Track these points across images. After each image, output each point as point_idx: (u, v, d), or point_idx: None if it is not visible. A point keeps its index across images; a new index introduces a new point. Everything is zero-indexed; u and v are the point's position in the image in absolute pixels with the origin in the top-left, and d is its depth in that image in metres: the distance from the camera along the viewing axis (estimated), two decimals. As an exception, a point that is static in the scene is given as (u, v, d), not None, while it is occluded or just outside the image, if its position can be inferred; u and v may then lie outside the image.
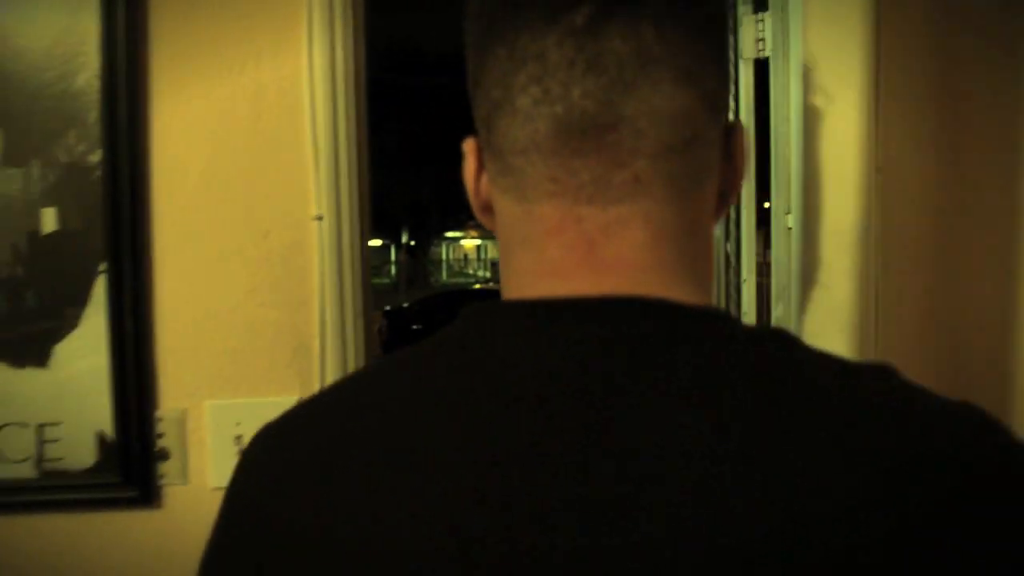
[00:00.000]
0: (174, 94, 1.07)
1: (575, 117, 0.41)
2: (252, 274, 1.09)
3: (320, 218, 1.09)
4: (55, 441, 1.06)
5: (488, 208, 0.49)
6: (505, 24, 0.43)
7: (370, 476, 0.42)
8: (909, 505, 0.35)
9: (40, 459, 1.06)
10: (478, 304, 0.47)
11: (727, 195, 0.48)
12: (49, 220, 1.04)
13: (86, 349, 1.05)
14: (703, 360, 0.40)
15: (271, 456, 0.48)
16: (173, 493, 1.10)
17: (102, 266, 1.05)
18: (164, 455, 1.10)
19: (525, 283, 0.45)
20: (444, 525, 0.39)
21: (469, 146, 0.49)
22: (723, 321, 0.43)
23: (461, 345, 0.45)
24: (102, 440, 1.07)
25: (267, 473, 0.47)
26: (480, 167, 0.48)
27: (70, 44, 1.02)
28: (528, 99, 0.42)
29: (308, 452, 0.45)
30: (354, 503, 0.41)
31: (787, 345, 0.42)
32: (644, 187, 0.42)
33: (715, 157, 0.46)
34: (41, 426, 1.06)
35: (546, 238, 0.44)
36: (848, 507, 0.35)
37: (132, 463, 1.07)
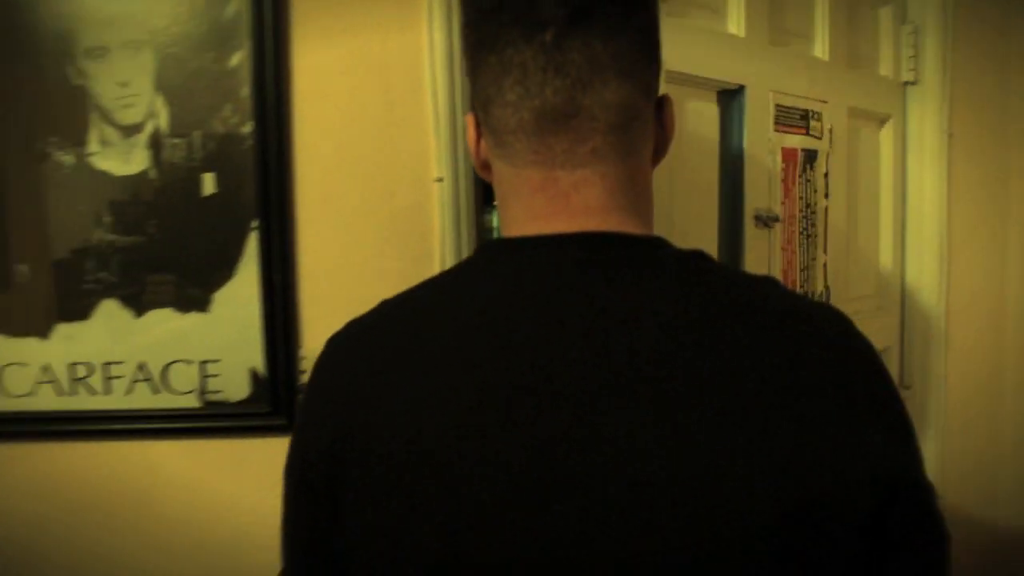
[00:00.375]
0: (312, 71, 1.20)
1: (548, 108, 0.57)
2: (380, 231, 1.23)
3: (440, 180, 1.22)
4: (215, 376, 1.22)
5: (486, 166, 0.65)
6: (494, 39, 0.58)
7: (429, 376, 0.55)
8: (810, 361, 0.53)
9: (203, 391, 1.23)
10: (491, 240, 0.64)
11: (660, 153, 0.64)
12: (209, 184, 1.19)
13: (241, 296, 1.20)
14: (654, 271, 0.56)
15: (342, 361, 0.63)
16: (313, 423, 1.26)
17: (254, 224, 1.19)
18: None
19: (520, 225, 0.61)
20: (500, 410, 0.53)
21: (469, 119, 0.65)
22: (662, 245, 0.59)
23: (483, 270, 0.61)
24: (255, 375, 1.23)
25: (336, 379, 0.62)
26: (479, 136, 0.64)
27: (225, 29, 1.16)
28: (514, 95, 0.58)
29: (371, 362, 0.59)
30: (415, 401, 0.55)
31: (707, 259, 0.58)
32: (600, 155, 0.58)
33: (650, 128, 0.62)
34: (203, 363, 1.22)
35: (533, 194, 0.60)
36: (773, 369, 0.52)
37: (280, 396, 1.22)
